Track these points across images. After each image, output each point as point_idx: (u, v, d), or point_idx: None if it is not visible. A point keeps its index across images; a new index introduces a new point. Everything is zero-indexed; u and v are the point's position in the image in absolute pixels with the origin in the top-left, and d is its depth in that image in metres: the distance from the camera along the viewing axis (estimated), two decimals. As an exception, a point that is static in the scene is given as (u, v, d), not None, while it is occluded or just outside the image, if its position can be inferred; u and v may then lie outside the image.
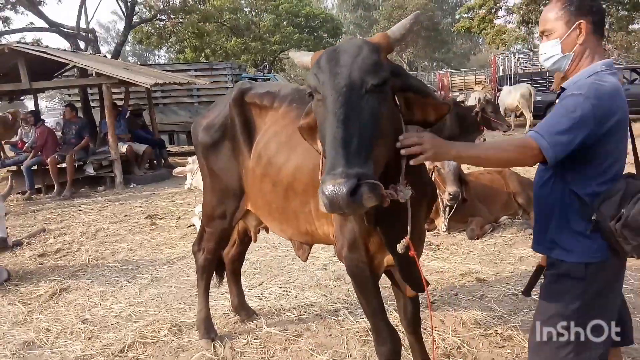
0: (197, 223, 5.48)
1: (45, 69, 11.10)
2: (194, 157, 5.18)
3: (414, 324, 2.59)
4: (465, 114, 7.30)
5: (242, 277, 3.75)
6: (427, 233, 5.24)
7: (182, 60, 21.78)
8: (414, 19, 1.69)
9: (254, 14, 28.71)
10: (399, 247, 1.78)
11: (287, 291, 4.05)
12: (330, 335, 3.27)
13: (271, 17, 26.85)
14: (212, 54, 21.63)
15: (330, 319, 3.47)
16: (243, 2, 27.63)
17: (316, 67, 1.63)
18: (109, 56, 14.81)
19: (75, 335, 3.49)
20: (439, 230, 5.21)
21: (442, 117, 1.77)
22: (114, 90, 10.62)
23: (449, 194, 4.67)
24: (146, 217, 6.89)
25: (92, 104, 13.10)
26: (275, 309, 3.69)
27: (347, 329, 3.31)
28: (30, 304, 4.10)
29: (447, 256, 4.58)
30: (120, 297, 4.14)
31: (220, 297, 3.96)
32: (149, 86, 9.76)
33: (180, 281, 4.44)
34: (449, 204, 4.86)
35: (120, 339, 3.37)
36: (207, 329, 3.28)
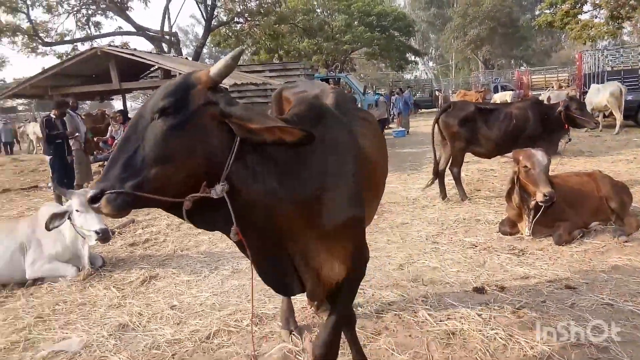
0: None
1: (132, 70, 11.83)
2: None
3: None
4: (548, 113, 6.97)
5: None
6: (509, 237, 5.03)
7: (256, 61, 22.41)
8: (234, 55, 1.83)
9: (326, 14, 28.96)
10: (232, 235, 1.89)
11: (363, 289, 4.03)
12: (410, 335, 3.23)
13: (343, 17, 26.94)
14: (285, 54, 22.07)
15: (409, 319, 3.43)
16: (316, 2, 27.96)
17: None
18: (189, 58, 15.54)
19: (165, 320, 3.70)
20: (522, 234, 4.98)
21: (299, 140, 1.80)
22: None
23: (544, 194, 4.41)
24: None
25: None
26: (353, 306, 3.69)
27: (427, 331, 3.25)
28: (123, 289, 4.39)
29: (533, 262, 4.36)
30: (204, 287, 4.33)
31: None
32: (227, 86, 10.12)
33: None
34: (542, 204, 4.59)
35: (206, 326, 3.52)
36: (287, 320, 3.36)
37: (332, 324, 2.35)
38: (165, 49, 15.54)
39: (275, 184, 1.92)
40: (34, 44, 15.35)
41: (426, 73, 54.97)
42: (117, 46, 13.22)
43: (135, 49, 11.62)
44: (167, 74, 11.50)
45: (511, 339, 3.05)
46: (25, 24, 14.88)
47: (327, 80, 15.41)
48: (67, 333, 3.64)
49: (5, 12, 14.86)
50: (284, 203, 1.96)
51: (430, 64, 60.62)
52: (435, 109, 30.20)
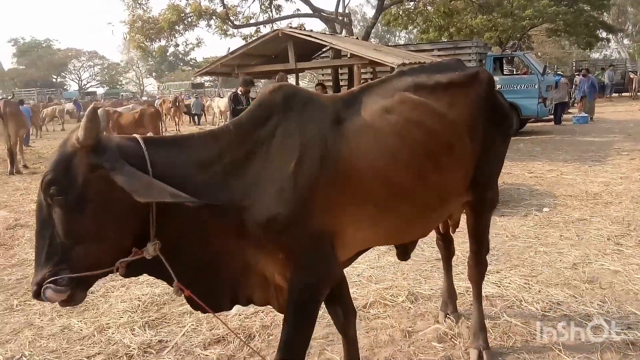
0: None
1: (306, 51, 12.50)
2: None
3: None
4: None
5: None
6: None
7: (425, 40, 21.87)
8: (89, 117, 1.62)
9: (505, -12, 26.83)
10: (174, 291, 1.80)
11: (528, 284, 3.81)
12: (580, 339, 2.97)
13: (524, -10, 24.63)
14: (456, 32, 21.13)
15: (580, 322, 3.14)
16: (494, -24, 26.02)
17: None
18: (359, 38, 15.84)
19: (326, 285, 3.95)
20: None
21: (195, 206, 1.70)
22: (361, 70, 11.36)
23: None
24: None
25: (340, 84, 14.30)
26: (517, 300, 3.52)
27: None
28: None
29: None
30: (361, 259, 4.43)
31: (456, 277, 3.94)
32: (395, 66, 10.12)
33: (416, 254, 4.56)
34: None
35: (363, 295, 3.69)
36: (446, 302, 3.34)
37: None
38: (337, 30, 16.05)
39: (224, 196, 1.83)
40: (225, 27, 17.12)
41: (619, 52, 47.80)
42: (295, 28, 14.10)
43: (311, 30, 12.23)
44: (338, 53, 11.93)
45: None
46: (219, 9, 16.64)
47: (500, 60, 14.36)
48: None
49: (203, -2, 16.82)
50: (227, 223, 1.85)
51: (625, 41, 52.49)
52: (627, 93, 26.26)
